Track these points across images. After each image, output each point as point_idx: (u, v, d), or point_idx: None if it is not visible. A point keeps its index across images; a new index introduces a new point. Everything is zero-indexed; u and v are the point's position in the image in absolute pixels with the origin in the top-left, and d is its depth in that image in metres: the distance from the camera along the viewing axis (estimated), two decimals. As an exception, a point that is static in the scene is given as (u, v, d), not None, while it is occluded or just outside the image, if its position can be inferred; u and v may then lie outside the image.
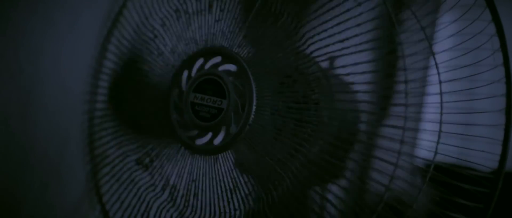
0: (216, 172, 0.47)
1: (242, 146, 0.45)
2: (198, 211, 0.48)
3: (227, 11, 0.48)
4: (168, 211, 0.50)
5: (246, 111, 0.45)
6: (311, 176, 0.43)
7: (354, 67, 0.42)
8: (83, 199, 0.60)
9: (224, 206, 0.47)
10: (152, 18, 0.54)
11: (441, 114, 0.41)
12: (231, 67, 0.47)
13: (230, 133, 0.46)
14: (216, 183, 0.47)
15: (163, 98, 0.50)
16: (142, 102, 0.53)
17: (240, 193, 0.46)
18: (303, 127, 0.43)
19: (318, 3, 0.43)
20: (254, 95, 0.45)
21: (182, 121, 0.49)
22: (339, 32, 0.42)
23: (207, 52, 0.49)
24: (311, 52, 0.43)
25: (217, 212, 0.47)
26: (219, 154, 0.47)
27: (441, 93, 0.41)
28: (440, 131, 0.41)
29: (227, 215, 0.47)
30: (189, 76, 0.49)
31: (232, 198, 0.46)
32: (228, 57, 0.47)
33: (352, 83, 0.43)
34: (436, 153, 0.41)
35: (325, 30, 0.43)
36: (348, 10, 0.42)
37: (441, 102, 0.41)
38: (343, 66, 0.43)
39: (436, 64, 0.41)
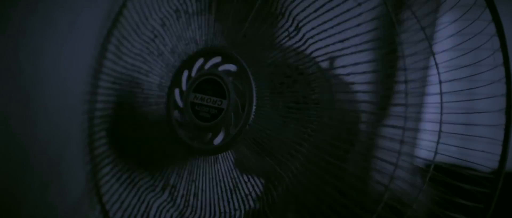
0: (216, 172, 0.47)
1: (242, 146, 0.45)
2: (198, 211, 0.48)
3: (227, 11, 0.47)
4: (168, 211, 0.50)
5: (246, 110, 0.45)
6: (311, 176, 0.43)
7: (354, 67, 0.42)
8: (83, 199, 0.60)
9: (224, 206, 0.47)
10: (152, 18, 0.54)
11: (441, 114, 0.41)
12: (231, 67, 0.47)
13: (230, 133, 0.46)
14: (216, 183, 0.47)
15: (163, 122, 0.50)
16: (145, 134, 0.52)
17: (240, 193, 0.46)
18: (303, 127, 0.43)
19: (318, 3, 0.43)
20: (254, 95, 0.45)
21: (182, 121, 0.49)
22: (339, 32, 0.42)
23: (207, 52, 0.49)
24: (311, 52, 0.43)
25: (217, 212, 0.47)
26: (219, 154, 0.47)
27: (441, 93, 0.41)
28: (440, 131, 0.41)
29: (227, 215, 0.47)
30: (189, 76, 0.49)
31: (232, 198, 0.46)
32: (228, 57, 0.47)
33: (352, 83, 0.43)
34: (436, 153, 0.41)
35: (325, 30, 0.43)
36: (348, 10, 0.42)
37: (441, 102, 0.41)
38: (343, 66, 0.43)
39: (436, 64, 0.41)
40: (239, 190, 0.46)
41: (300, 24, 0.44)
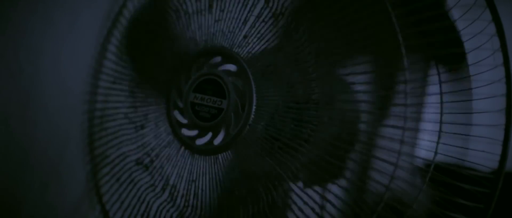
0: (216, 172, 0.47)
1: (242, 146, 0.45)
2: (198, 211, 0.48)
3: (227, 11, 0.47)
4: (168, 211, 0.50)
5: (246, 111, 0.45)
6: (311, 176, 0.43)
7: (354, 67, 0.42)
8: (83, 199, 0.60)
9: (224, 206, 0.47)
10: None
11: (441, 114, 0.41)
12: (231, 67, 0.47)
13: (230, 133, 0.46)
14: (216, 183, 0.47)
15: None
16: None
17: (240, 193, 0.46)
18: (303, 127, 0.43)
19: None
20: (254, 95, 0.45)
21: (182, 121, 0.49)
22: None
23: (207, 52, 0.49)
24: (311, 52, 0.43)
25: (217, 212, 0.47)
26: (219, 154, 0.47)
27: (441, 93, 0.41)
28: (440, 131, 0.41)
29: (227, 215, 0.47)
30: (189, 76, 0.49)
31: (232, 198, 0.46)
32: (228, 57, 0.47)
33: (352, 83, 0.43)
34: (436, 153, 0.41)
35: (325, 31, 0.43)
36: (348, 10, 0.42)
37: (441, 102, 0.41)
38: (343, 66, 0.43)
39: (436, 64, 0.41)
40: (239, 190, 0.46)
41: (300, 24, 0.44)
